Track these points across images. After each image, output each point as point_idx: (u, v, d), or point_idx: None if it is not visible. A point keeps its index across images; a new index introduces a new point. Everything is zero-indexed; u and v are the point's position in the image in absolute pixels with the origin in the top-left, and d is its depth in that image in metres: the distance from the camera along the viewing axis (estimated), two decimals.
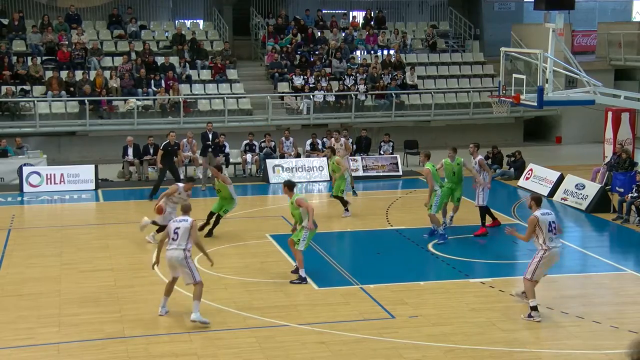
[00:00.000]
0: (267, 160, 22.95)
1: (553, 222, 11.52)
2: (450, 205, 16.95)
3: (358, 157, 23.75)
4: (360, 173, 23.12)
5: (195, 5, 32.18)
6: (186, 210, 11.88)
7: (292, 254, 13.63)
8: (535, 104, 18.25)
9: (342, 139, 21.55)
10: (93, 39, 27.90)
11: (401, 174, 23.65)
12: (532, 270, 11.49)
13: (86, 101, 24.57)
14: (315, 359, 10.29)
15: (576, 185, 19.78)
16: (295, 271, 13.47)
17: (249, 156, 23.34)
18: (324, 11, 31.77)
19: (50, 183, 21.40)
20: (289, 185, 13.66)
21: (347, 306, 12.17)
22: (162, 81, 26.22)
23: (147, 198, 19.89)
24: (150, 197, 19.92)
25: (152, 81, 26.25)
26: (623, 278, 13.93)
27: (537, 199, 11.82)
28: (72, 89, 25.35)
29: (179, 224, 11.53)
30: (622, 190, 18.53)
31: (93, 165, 22.09)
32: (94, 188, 21.50)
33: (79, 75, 25.79)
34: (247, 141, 23.62)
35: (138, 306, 12.21)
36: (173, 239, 11.43)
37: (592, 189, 19.29)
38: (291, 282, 13.30)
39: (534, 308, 11.53)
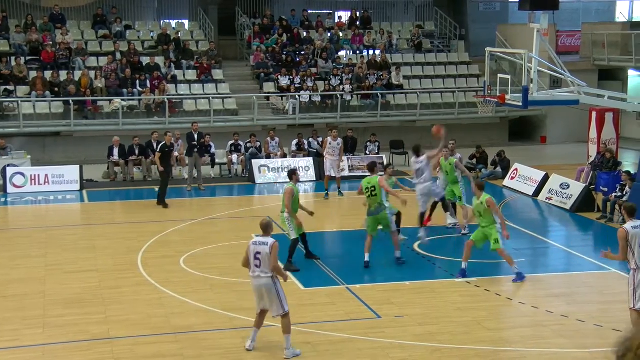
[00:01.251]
0: (253, 161, 22.92)
1: None
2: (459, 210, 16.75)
3: (344, 157, 23.74)
4: (347, 173, 23.12)
5: (180, 5, 32.08)
6: (266, 229, 10.38)
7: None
8: (520, 104, 18.32)
9: (340, 139, 21.05)
10: (77, 39, 27.76)
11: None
12: (636, 298, 10.25)
13: (71, 101, 24.45)
14: (301, 359, 10.28)
15: (561, 184, 19.88)
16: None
17: (234, 156, 23.30)
18: (309, 11, 31.77)
19: (35, 184, 21.27)
20: (371, 168, 14.57)
21: (333, 306, 12.18)
22: (148, 81, 26.13)
23: (156, 200, 19.38)
24: (158, 202, 19.31)
25: (138, 81, 26.16)
26: (607, 277, 14.02)
27: (629, 209, 10.53)
28: (56, 89, 25.22)
29: (259, 247, 10.15)
30: (606, 189, 18.65)
31: (78, 166, 21.98)
32: (79, 189, 21.39)
33: (63, 75, 25.66)
34: (233, 142, 23.57)
35: (124, 307, 12.17)
36: (256, 266, 10.15)
37: (576, 188, 19.40)
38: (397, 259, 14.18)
39: None
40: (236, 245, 15.73)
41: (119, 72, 26.28)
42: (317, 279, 13.62)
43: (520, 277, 13.33)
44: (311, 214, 14.70)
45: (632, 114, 28.08)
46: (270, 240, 10.19)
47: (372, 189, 14.00)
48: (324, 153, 21.09)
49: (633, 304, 10.33)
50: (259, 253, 10.15)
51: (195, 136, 21.56)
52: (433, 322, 11.50)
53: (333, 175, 20.69)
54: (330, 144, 20.81)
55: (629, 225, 10.29)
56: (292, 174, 14.64)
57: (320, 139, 24.52)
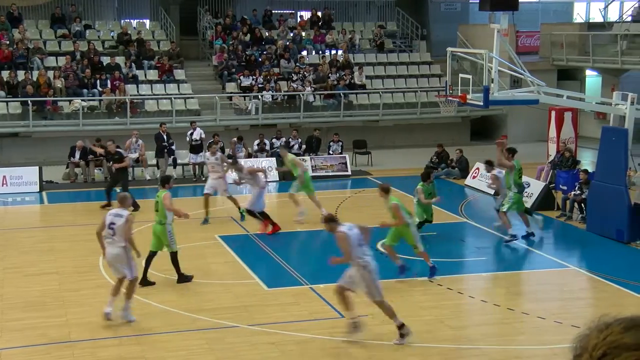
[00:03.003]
0: None
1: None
2: None
3: (307, 157, 23.78)
4: (310, 173, 23.09)
5: (141, 4, 31.76)
6: (123, 201, 11.60)
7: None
8: (482, 103, 18.49)
9: (219, 153, 18.45)
10: (35, 39, 27.32)
11: (350, 173, 23.74)
12: (377, 289, 10.52)
13: (29, 102, 24.07)
14: (265, 359, 10.26)
15: None
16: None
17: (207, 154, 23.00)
18: (274, 11, 31.71)
19: None
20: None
21: (297, 306, 12.17)
22: (108, 81, 25.85)
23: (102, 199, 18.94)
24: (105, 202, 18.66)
25: (98, 81, 25.86)
26: (566, 274, 14.23)
27: (326, 218, 10.91)
28: (14, 89, 24.78)
29: (115, 218, 11.20)
30: (565, 187, 18.92)
31: (37, 167, 21.62)
32: (38, 190, 21.05)
33: (21, 75, 25.25)
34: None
35: (84, 309, 12.01)
36: (110, 235, 11.18)
37: (536, 187, 19.65)
38: (505, 242, 15.58)
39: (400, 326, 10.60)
40: (199, 247, 15.65)
41: (79, 72, 25.95)
42: (281, 279, 13.60)
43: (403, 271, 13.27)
44: None
45: (590, 114, 28.54)
46: (125, 213, 11.26)
47: None
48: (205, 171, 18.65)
49: (379, 295, 10.51)
50: (113, 224, 11.10)
51: (165, 137, 21.30)
52: None
53: (209, 193, 17.79)
54: (208, 159, 18.38)
55: (344, 228, 10.43)
56: (167, 182, 13.70)
57: (283, 139, 24.49)
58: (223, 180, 17.86)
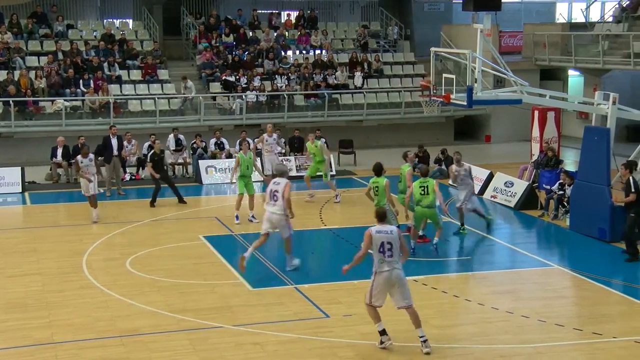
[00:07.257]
0: (200, 161, 22.72)
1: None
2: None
3: (291, 157, 23.77)
4: (294, 173, 23.09)
5: (124, 4, 31.63)
6: (282, 174, 13.58)
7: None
8: (465, 103, 18.52)
9: (275, 135, 21.40)
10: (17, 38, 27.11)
11: (334, 173, 23.73)
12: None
13: (11, 102, 23.89)
14: (250, 359, 10.27)
15: (505, 183, 20.23)
16: None
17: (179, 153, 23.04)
18: (259, 11, 31.66)
19: None
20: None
21: (281, 306, 12.17)
22: (91, 81, 25.71)
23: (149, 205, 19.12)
24: (151, 204, 19.04)
25: (81, 81, 25.71)
26: (550, 273, 14.31)
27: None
28: None
29: (275, 186, 13.14)
30: (548, 187, 19.04)
31: (19, 168, 21.48)
32: (20, 191, 20.91)
33: (2, 75, 25.06)
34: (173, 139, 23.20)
35: (68, 311, 11.95)
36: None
37: (520, 186, 19.76)
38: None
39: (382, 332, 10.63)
40: (183, 247, 15.60)
41: (62, 72, 25.79)
42: (266, 279, 13.58)
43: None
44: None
45: (572, 113, 28.74)
46: (284, 181, 13.19)
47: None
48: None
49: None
50: (276, 191, 12.40)
51: (115, 140, 21.06)
52: None
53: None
54: (267, 140, 21.29)
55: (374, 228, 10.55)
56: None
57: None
58: (276, 157, 21.35)
